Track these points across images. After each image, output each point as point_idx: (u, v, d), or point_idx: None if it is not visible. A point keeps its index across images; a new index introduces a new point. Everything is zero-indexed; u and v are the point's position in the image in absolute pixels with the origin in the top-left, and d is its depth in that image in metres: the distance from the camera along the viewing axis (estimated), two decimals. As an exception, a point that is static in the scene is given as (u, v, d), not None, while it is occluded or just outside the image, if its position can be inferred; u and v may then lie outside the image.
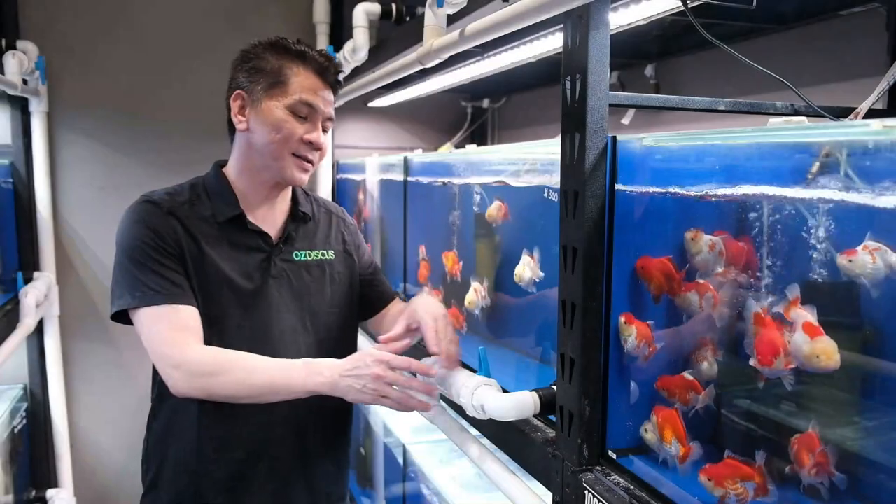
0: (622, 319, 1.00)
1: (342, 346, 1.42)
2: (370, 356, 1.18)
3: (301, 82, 1.30)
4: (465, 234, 1.63)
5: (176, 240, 1.26)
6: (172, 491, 1.33)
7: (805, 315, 0.74)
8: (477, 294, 1.54)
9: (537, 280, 1.30)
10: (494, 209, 1.47)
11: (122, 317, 1.26)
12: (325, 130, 1.35)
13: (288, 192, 1.42)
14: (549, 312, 1.16)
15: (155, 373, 1.30)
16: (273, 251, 1.35)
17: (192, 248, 1.27)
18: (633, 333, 0.98)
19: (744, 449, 0.83)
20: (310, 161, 1.32)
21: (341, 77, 1.39)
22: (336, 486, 1.48)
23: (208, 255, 1.28)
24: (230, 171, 1.37)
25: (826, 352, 0.72)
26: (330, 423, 1.43)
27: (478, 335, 1.55)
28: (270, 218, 1.38)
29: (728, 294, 0.86)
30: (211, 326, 1.27)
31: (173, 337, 1.21)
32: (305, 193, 1.48)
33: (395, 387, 1.17)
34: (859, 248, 0.78)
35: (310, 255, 1.40)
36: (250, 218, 1.34)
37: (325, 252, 1.43)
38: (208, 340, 1.25)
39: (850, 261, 0.79)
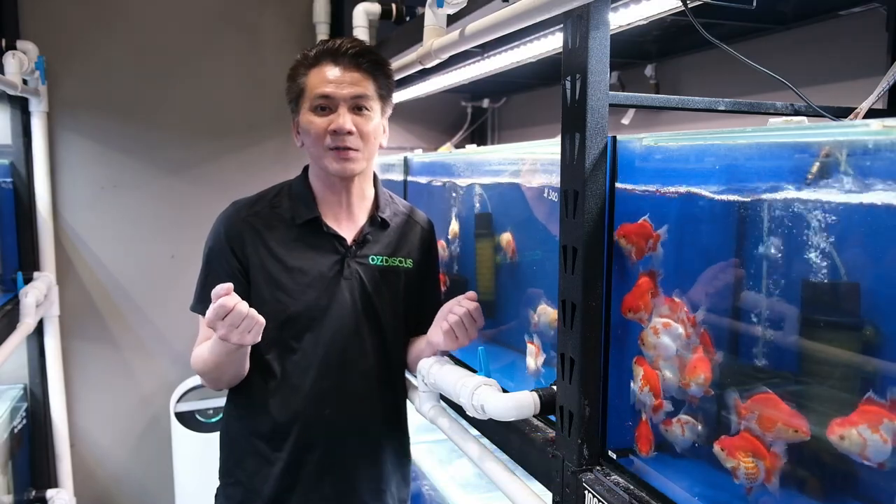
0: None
1: (406, 350, 1.47)
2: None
3: (313, 80, 1.35)
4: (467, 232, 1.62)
5: (241, 246, 1.36)
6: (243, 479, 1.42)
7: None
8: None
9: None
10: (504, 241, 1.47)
11: None
12: (360, 110, 1.34)
13: (368, 195, 1.44)
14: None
15: None
16: (347, 253, 1.38)
17: (259, 250, 1.36)
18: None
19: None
20: (346, 148, 1.33)
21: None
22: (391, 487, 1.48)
23: (280, 256, 1.35)
24: (310, 176, 1.45)
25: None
26: (382, 420, 1.46)
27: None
28: (350, 222, 1.42)
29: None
30: (285, 324, 1.34)
31: (198, 342, 1.38)
32: (392, 200, 1.50)
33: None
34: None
35: (387, 261, 1.42)
36: (328, 221, 1.39)
37: (403, 260, 1.44)
38: (282, 337, 1.34)
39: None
